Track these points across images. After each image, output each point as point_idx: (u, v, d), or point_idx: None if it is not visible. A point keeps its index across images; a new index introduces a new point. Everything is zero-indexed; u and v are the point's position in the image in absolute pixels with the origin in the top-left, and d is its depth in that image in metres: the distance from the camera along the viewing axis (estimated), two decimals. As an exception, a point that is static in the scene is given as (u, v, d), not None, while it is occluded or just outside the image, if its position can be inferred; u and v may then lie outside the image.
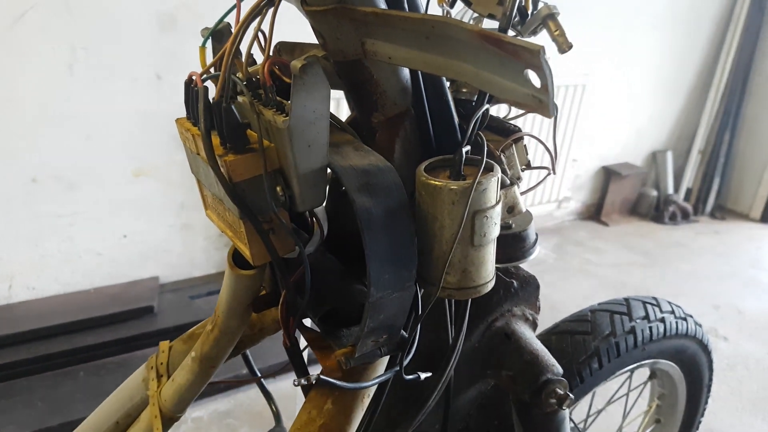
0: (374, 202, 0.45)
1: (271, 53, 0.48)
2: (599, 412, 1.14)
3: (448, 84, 0.54)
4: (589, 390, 0.88)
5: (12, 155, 1.76)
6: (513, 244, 0.66)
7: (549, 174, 0.64)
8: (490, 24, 0.54)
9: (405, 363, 0.54)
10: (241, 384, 1.77)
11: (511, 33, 0.53)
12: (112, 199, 1.96)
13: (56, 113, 1.77)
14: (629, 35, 2.90)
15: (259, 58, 0.51)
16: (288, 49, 0.63)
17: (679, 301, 1.07)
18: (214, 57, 0.52)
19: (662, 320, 0.94)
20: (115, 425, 0.71)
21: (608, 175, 3.18)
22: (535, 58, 0.36)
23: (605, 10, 2.73)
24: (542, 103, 0.39)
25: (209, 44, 0.55)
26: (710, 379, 1.14)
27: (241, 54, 0.51)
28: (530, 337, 0.68)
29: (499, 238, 0.50)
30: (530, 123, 2.63)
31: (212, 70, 0.50)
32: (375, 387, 0.57)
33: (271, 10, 0.48)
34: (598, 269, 2.66)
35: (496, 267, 0.52)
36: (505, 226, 0.66)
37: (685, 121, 3.40)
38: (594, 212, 3.29)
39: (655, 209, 3.33)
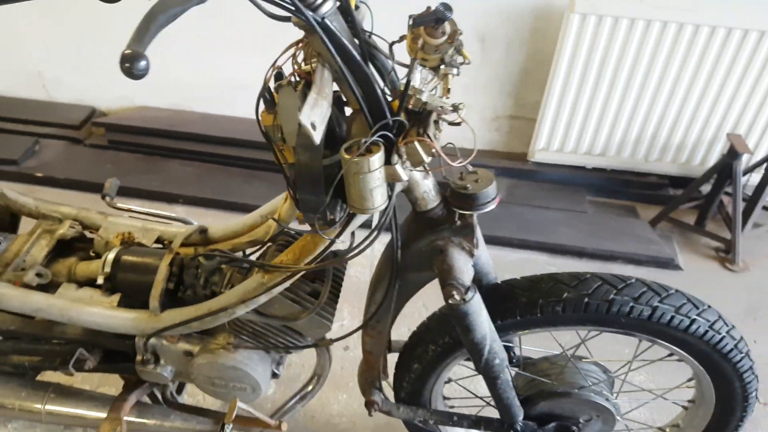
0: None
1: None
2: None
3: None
4: (544, 325, 1.12)
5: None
6: (465, 200, 0.96)
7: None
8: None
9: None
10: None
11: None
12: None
13: None
14: None
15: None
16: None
17: None
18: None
19: (653, 308, 1.07)
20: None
21: None
22: None
23: None
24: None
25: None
26: (745, 389, 1.18)
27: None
28: (456, 256, 0.99)
29: (456, 195, 0.90)
30: None
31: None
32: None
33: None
34: None
35: (455, 209, 0.90)
36: (461, 187, 0.96)
37: None
38: None
39: None
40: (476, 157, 2.51)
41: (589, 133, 2.43)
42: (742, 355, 1.14)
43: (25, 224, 1.37)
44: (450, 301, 0.99)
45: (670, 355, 1.19)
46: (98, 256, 1.26)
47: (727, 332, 1.11)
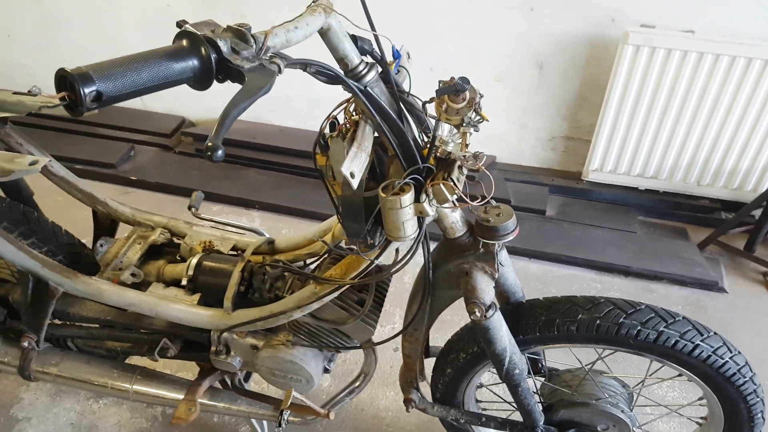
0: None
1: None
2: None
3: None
4: (560, 341, 1.26)
5: (418, 51, 2.60)
6: (488, 231, 1.12)
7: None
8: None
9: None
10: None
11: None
12: (476, 91, 2.66)
13: (450, 27, 2.50)
14: None
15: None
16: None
17: None
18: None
19: (659, 332, 1.19)
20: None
21: None
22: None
23: None
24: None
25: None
26: (750, 411, 1.27)
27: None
28: (479, 279, 1.15)
29: (480, 226, 1.07)
30: None
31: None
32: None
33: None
34: None
35: (480, 238, 1.08)
36: (485, 219, 1.12)
37: None
38: None
39: None
40: (531, 174, 2.63)
41: (642, 156, 2.51)
42: (746, 379, 1.23)
43: (123, 230, 1.64)
44: (472, 317, 1.15)
45: (680, 375, 1.30)
46: (183, 260, 1.50)
47: (731, 358, 1.22)
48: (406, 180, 1.00)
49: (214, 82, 0.81)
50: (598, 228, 2.56)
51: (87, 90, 0.68)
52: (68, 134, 3.27)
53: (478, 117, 0.96)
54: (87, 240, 1.65)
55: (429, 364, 1.47)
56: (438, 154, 1.02)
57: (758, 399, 1.27)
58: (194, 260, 1.42)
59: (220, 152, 0.70)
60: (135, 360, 1.68)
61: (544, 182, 2.76)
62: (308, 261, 1.43)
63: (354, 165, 0.91)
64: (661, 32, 2.21)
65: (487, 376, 1.46)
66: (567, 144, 2.73)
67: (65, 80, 0.69)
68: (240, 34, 0.78)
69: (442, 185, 1.02)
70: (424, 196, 1.03)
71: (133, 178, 2.98)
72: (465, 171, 1.05)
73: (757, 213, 2.36)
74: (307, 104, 2.94)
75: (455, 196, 1.04)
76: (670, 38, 2.18)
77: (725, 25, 2.19)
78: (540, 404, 1.45)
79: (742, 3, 2.13)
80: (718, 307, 2.27)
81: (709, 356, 1.20)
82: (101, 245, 1.56)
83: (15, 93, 1.39)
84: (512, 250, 2.46)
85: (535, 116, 2.66)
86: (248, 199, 2.81)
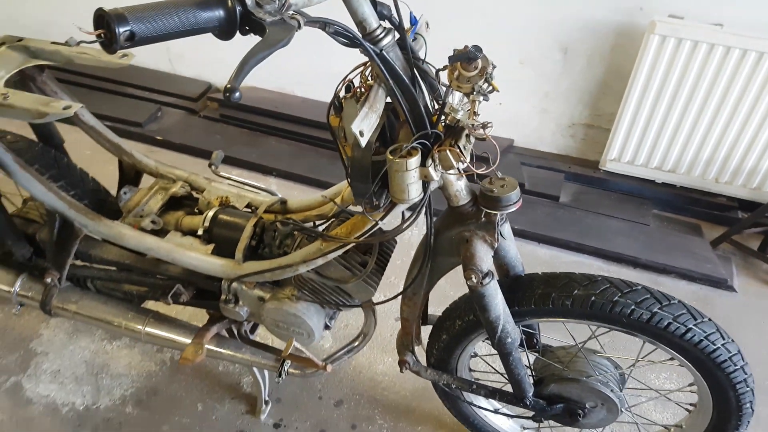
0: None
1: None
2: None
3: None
4: (555, 315, 1.30)
5: (441, 30, 2.62)
6: (491, 201, 1.16)
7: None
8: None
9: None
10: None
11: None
12: (500, 74, 2.66)
13: (477, 7, 2.52)
14: None
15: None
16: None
17: None
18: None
19: (653, 313, 1.22)
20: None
21: None
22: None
23: None
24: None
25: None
26: (739, 399, 1.30)
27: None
28: (478, 247, 1.19)
29: (484, 196, 1.10)
30: None
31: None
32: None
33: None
34: None
35: (483, 208, 1.12)
36: (489, 190, 1.15)
37: None
38: None
39: None
40: (548, 160, 2.64)
41: (661, 149, 2.51)
42: (737, 367, 1.26)
43: (146, 180, 1.71)
44: (469, 283, 1.19)
45: (672, 359, 1.33)
46: (200, 212, 1.57)
47: (723, 344, 1.24)
48: (414, 144, 1.04)
49: (237, 33, 0.85)
50: (611, 218, 2.58)
51: (121, 29, 0.74)
52: (99, 92, 3.35)
53: (489, 86, 0.99)
54: (111, 191, 1.72)
55: (426, 333, 1.52)
56: (447, 121, 1.06)
57: (748, 389, 1.29)
58: (210, 213, 1.49)
59: (237, 94, 0.76)
60: (149, 304, 1.76)
61: (561, 169, 2.77)
62: (317, 222, 1.49)
63: (364, 124, 0.95)
64: (688, 24, 2.19)
65: (483, 348, 1.50)
66: (587, 132, 2.74)
67: (102, 19, 0.74)
68: (265, -11, 0.83)
69: (448, 151, 1.05)
70: (430, 161, 1.07)
71: (158, 138, 3.06)
72: (473, 140, 1.09)
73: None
74: (331, 79, 2.97)
75: (461, 164, 1.07)
76: (698, 30, 2.16)
77: (755, 20, 2.16)
78: (531, 377, 1.50)
79: (774, -1, 2.12)
80: (725, 304, 2.28)
81: (701, 341, 1.23)
82: (125, 193, 1.63)
83: (53, 43, 1.45)
84: (522, 234, 2.49)
85: (557, 101, 2.67)
86: (267, 165, 2.87)
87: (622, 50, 2.42)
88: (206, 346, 1.59)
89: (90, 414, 1.85)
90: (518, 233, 2.49)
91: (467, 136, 1.08)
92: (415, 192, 1.08)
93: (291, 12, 0.86)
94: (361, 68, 1.08)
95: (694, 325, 1.23)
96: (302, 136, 3.03)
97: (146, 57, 3.43)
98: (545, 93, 2.66)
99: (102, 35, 0.76)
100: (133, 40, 0.76)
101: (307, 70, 3.02)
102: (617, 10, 2.32)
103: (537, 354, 1.52)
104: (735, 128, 2.35)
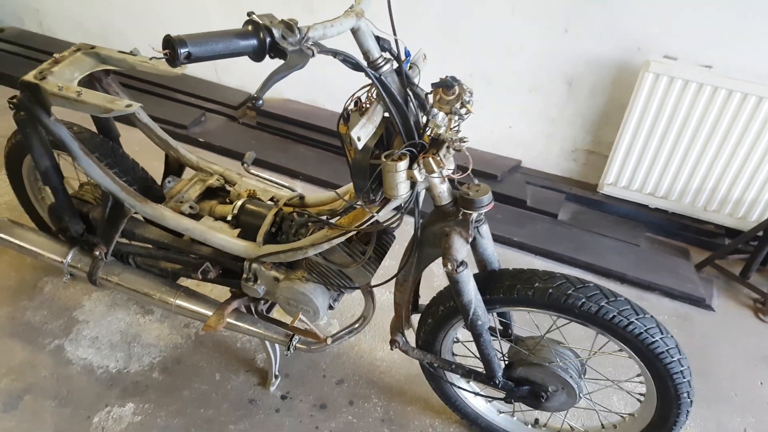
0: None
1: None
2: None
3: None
4: (518, 304, 1.53)
5: (460, 59, 2.89)
6: (467, 202, 1.40)
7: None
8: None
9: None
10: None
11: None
12: (511, 100, 2.93)
13: (493, 38, 2.78)
14: None
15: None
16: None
17: None
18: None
19: (600, 306, 1.45)
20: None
21: None
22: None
23: None
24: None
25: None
26: (677, 389, 1.50)
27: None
28: (455, 240, 1.43)
29: (461, 198, 1.35)
30: None
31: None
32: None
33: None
34: None
35: (461, 208, 1.36)
36: (465, 193, 1.40)
37: None
38: None
39: None
40: (551, 181, 2.88)
41: (654, 176, 2.71)
42: (673, 359, 1.46)
43: (187, 173, 2.00)
44: (445, 270, 1.44)
45: (620, 350, 1.55)
46: (231, 202, 1.85)
47: (661, 338, 1.46)
48: (403, 150, 1.30)
49: (267, 57, 1.12)
50: (605, 237, 2.78)
51: (182, 50, 1.01)
52: (152, 95, 3.70)
53: (464, 109, 1.25)
54: (156, 180, 2.02)
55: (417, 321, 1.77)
56: (431, 135, 1.32)
57: (684, 380, 1.49)
58: (239, 203, 1.76)
59: (261, 101, 1.03)
60: (180, 281, 2.04)
61: (563, 189, 2.99)
62: (329, 215, 1.75)
63: (361, 131, 1.22)
64: (680, 64, 2.41)
65: (465, 335, 1.73)
66: (588, 157, 2.96)
67: (168, 42, 1.02)
68: (289, 25, 1.09)
69: (430, 158, 1.31)
70: (416, 166, 1.32)
71: (201, 140, 3.38)
72: (452, 151, 1.34)
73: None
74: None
75: (442, 170, 1.33)
76: (688, 70, 2.38)
77: (742, 64, 2.37)
78: (503, 361, 1.73)
79: (761, 45, 2.32)
80: (704, 322, 2.46)
81: (641, 333, 1.44)
82: (168, 182, 1.93)
83: (120, 52, 1.76)
84: (521, 246, 2.72)
85: (562, 127, 2.90)
86: (294, 170, 3.16)
87: (622, 84, 2.64)
88: (227, 319, 1.86)
89: (121, 377, 2.13)
90: (518, 245, 2.73)
91: (447, 147, 1.33)
92: (403, 189, 1.33)
93: (309, 43, 1.12)
94: (367, 88, 1.35)
95: (636, 319, 1.45)
96: (328, 145, 3.32)
97: (196, 68, 3.77)
98: (551, 119, 2.90)
99: (167, 54, 1.03)
100: (190, 58, 1.03)
101: (337, 86, 3.31)
102: (617, 48, 2.56)
103: (510, 342, 1.75)
104: (722, 161, 2.55)
